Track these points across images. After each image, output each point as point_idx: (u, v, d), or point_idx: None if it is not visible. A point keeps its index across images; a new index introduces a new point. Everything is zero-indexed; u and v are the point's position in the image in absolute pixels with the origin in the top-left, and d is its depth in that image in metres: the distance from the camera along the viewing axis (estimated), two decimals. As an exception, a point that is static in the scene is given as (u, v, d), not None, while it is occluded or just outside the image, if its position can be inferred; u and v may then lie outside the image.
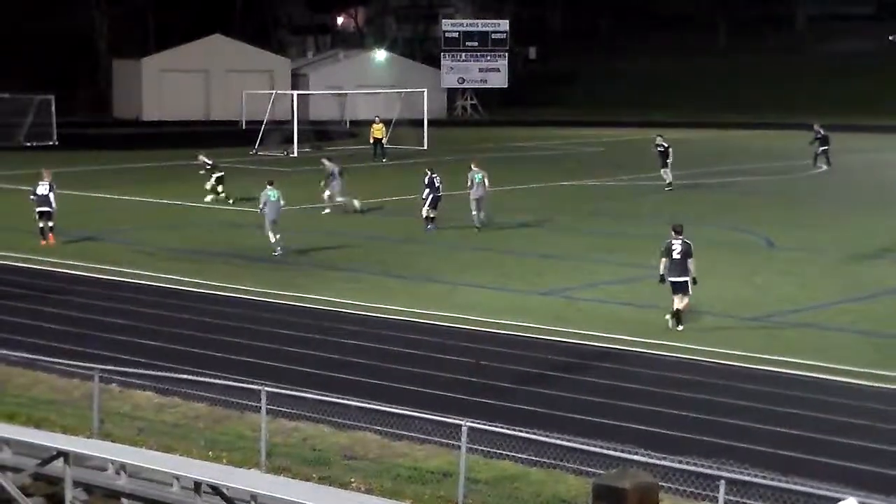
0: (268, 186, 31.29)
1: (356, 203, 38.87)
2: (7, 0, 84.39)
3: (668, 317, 22.89)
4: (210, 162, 41.89)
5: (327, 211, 38.65)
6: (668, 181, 44.73)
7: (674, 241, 22.93)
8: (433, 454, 15.82)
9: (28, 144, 62.61)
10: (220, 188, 41.01)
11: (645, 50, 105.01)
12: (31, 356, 19.39)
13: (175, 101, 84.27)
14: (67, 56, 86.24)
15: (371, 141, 58.74)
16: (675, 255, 22.78)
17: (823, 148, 52.84)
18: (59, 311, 24.41)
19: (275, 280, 27.45)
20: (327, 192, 38.74)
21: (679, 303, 22.85)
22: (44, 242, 32.27)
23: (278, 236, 30.77)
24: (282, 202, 31.24)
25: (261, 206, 31.11)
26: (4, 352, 19.62)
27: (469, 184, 35.71)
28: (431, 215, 35.26)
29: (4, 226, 35.17)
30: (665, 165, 44.93)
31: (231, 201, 40.37)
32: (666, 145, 44.90)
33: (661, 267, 23.01)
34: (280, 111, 64.55)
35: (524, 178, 48.82)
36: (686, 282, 22.76)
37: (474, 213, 35.34)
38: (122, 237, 33.90)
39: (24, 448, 15.43)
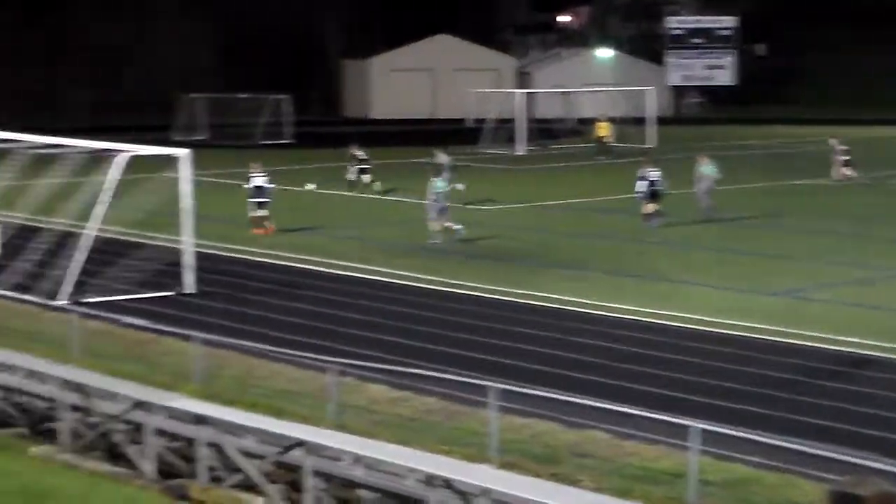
0: (435, 179, 33.15)
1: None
2: (246, 5, 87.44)
3: None
4: (363, 155, 43.56)
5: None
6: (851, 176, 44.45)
7: None
8: (663, 454, 15.75)
9: (264, 143, 64.66)
10: (365, 178, 43.08)
11: (885, 41, 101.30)
12: (271, 348, 20.05)
13: (402, 99, 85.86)
14: (301, 57, 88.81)
15: (595, 139, 58.64)
16: None
17: None
18: (297, 304, 25.19)
19: (504, 277, 27.71)
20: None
21: None
22: (258, 231, 34.08)
23: (445, 226, 32.37)
24: (447, 191, 33.01)
25: (432, 197, 32.81)
26: (247, 343, 20.36)
27: (697, 177, 35.90)
28: (655, 210, 35.17)
29: (245, 222, 36.36)
30: (847, 165, 44.60)
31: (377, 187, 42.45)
32: (846, 147, 44.86)
33: None
34: (505, 109, 65.03)
35: (752, 176, 47.98)
36: None
37: (706, 204, 35.53)
38: (352, 233, 34.71)
39: (267, 437, 16.02)
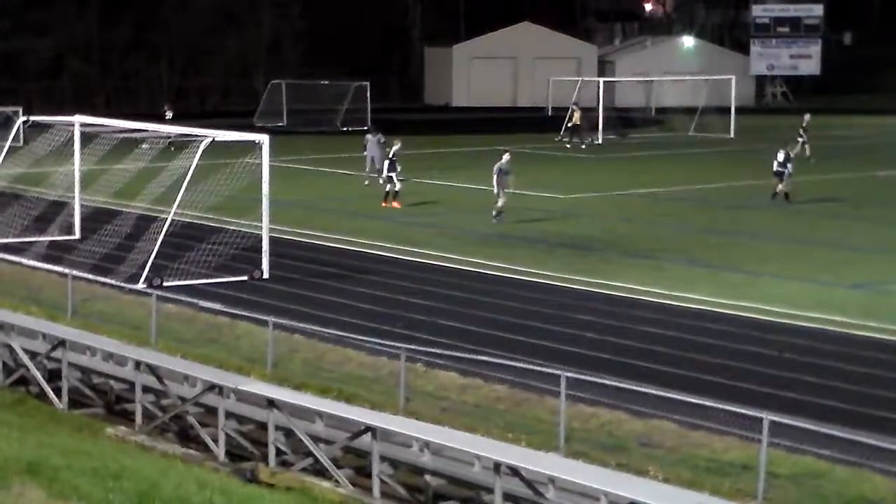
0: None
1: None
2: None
3: None
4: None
5: (367, 183, 41.46)
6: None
7: None
8: (732, 446, 15.66)
9: (344, 129, 65.01)
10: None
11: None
12: (342, 333, 20.21)
13: (483, 87, 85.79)
14: (383, 45, 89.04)
15: (571, 125, 58.36)
16: None
17: None
18: (369, 290, 25.27)
19: (578, 266, 27.60)
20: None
21: None
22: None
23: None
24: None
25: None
26: (318, 328, 20.51)
27: None
28: (776, 189, 37.17)
29: (326, 208, 36.61)
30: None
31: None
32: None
33: None
34: (586, 98, 64.72)
35: (835, 167, 47.36)
36: None
37: None
38: (429, 220, 34.74)
39: (336, 421, 16.15)
